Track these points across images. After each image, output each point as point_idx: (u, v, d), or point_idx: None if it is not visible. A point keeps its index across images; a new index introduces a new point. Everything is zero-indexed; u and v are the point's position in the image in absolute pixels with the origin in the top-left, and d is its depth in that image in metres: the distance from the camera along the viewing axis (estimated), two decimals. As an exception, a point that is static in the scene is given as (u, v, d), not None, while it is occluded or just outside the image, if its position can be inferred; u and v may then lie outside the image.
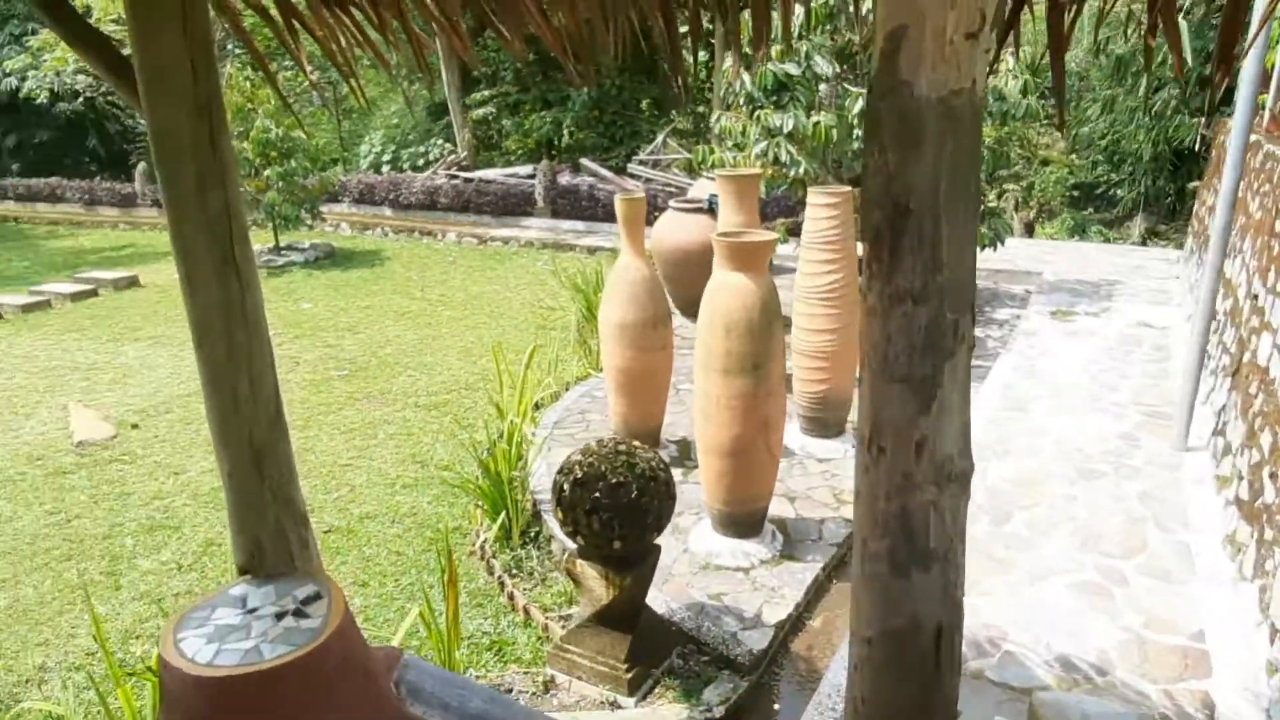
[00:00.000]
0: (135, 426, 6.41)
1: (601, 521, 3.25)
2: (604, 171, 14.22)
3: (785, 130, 6.70)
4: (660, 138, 14.97)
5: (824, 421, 5.26)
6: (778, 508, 4.48)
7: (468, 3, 2.51)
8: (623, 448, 3.40)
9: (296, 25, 2.78)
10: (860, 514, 1.51)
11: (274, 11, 2.80)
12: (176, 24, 2.00)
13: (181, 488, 5.40)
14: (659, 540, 3.50)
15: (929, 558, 1.44)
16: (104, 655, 2.95)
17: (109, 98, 18.76)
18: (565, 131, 15.58)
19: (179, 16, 2.00)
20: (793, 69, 6.79)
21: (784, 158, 6.76)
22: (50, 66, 17.63)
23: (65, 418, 6.60)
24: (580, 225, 13.36)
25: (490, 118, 16.36)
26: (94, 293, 10.73)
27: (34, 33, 18.23)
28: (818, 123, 6.65)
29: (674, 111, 16.23)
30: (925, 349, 1.34)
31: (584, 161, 14.73)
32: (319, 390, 7.01)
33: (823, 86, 7.20)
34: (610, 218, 12.98)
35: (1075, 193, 13.51)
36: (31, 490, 5.46)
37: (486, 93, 16.42)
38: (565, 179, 14.09)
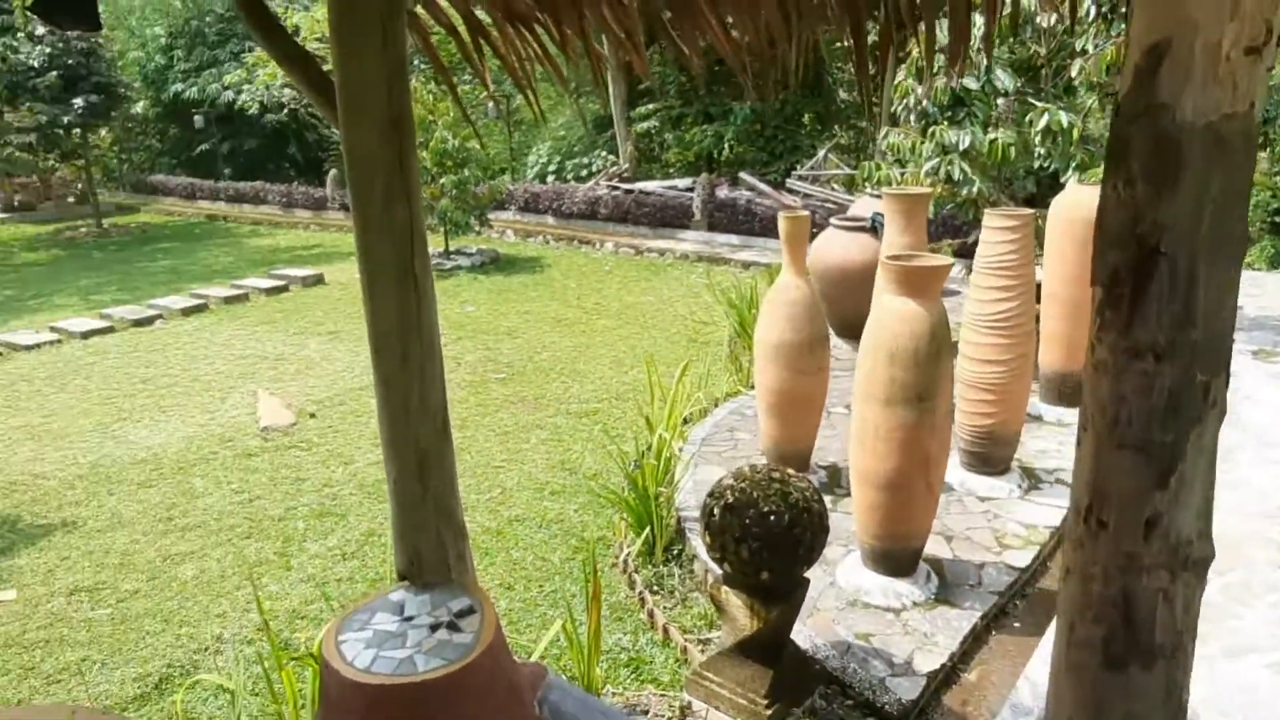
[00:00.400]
0: (313, 416, 6.75)
1: (750, 550, 3.10)
2: (762, 186, 14.01)
3: (961, 147, 6.32)
4: (822, 153, 14.62)
5: (988, 457, 4.89)
6: (933, 547, 4.18)
7: (647, 18, 2.44)
8: (776, 475, 3.24)
9: (482, 42, 2.81)
10: (1070, 593, 1.29)
11: (462, 29, 2.84)
12: (376, 44, 2.04)
13: (350, 477, 5.63)
14: (808, 574, 3.31)
15: (1153, 653, 1.22)
16: (269, 641, 3.05)
17: (309, 109, 20.13)
18: (726, 145, 15.47)
19: (379, 37, 2.04)
20: (970, 83, 6.41)
21: (957, 176, 6.38)
22: (262, 81, 19.12)
23: (254, 404, 7.04)
24: (735, 239, 13.21)
25: (653, 131, 16.47)
26: (285, 288, 11.48)
27: (250, 50, 19.82)
28: (995, 139, 6.24)
29: (836, 126, 15.82)
30: (1167, 413, 1.12)
31: (743, 175, 14.57)
32: (477, 391, 7.18)
33: (1000, 101, 6.76)
34: (766, 232, 12.76)
35: (1278, 218, 12.20)
36: (222, 469, 5.83)
37: (651, 106, 16.54)
38: (723, 192, 13.98)
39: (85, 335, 9.41)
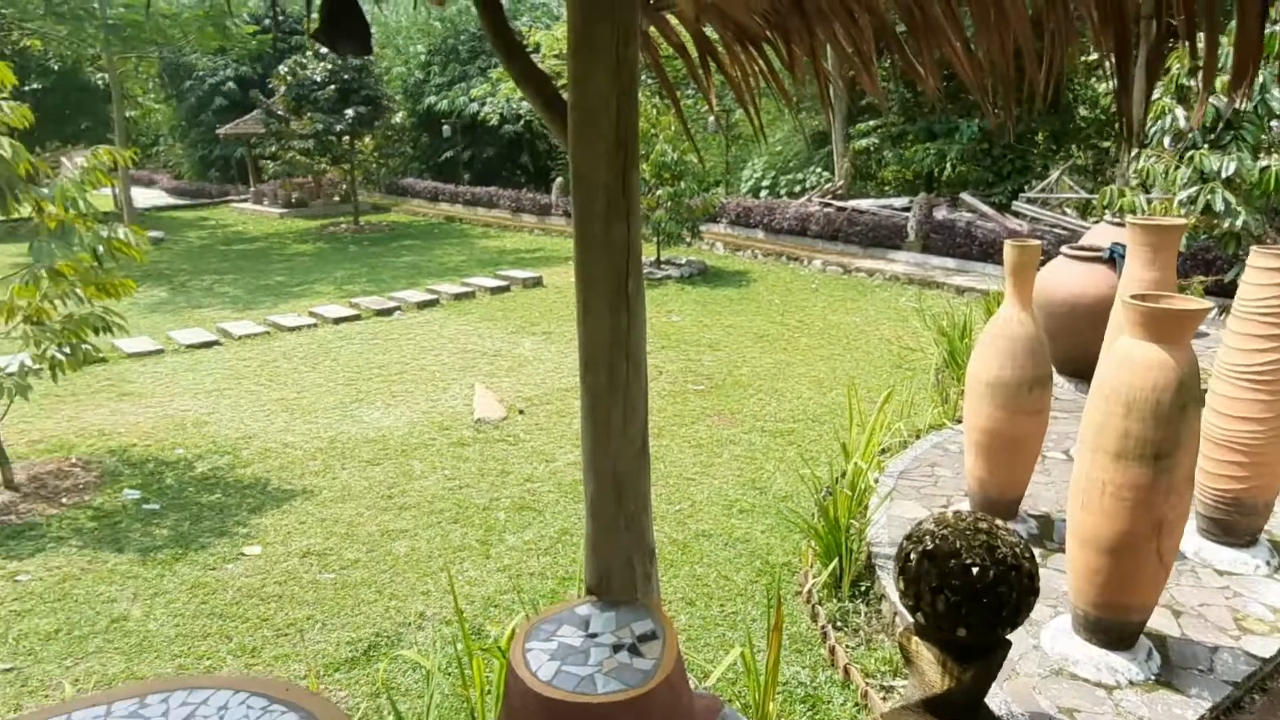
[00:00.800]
0: (521, 412, 7.04)
1: (948, 603, 2.85)
2: (985, 208, 13.17)
3: (1224, 175, 5.58)
4: (1055, 175, 13.53)
5: (1231, 526, 4.27)
6: (1158, 620, 3.70)
7: (882, 38, 2.30)
8: (984, 525, 2.96)
9: (709, 60, 2.79)
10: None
11: (691, 48, 2.83)
12: (610, 65, 2.06)
13: (550, 475, 5.80)
14: (1010, 635, 3.01)
15: None
16: (463, 631, 3.16)
17: (541, 121, 21.22)
18: (948, 164, 14.69)
19: (612, 60, 2.06)
20: (1241, 104, 5.66)
21: (1219, 206, 5.65)
22: (503, 94, 20.35)
23: (471, 396, 7.45)
24: (951, 263, 12.49)
25: (871, 148, 15.93)
26: (507, 288, 12.12)
27: (495, 66, 21.15)
28: (1267, 168, 5.46)
29: (1074, 146, 14.59)
30: None
31: (964, 196, 13.76)
32: (675, 401, 7.20)
33: (1275, 124, 5.92)
34: (986, 257, 11.97)
35: None
36: (437, 455, 6.19)
37: (871, 123, 16.02)
38: (941, 213, 13.27)
39: (336, 321, 10.37)
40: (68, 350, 5.55)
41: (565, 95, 2.22)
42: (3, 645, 3.99)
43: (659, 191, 12.40)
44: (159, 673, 3.76)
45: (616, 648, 2.16)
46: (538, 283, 12.46)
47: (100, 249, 5.41)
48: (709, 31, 2.83)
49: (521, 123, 21.27)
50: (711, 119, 17.97)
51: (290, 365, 8.61)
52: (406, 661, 3.76)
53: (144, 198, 26.09)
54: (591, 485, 2.36)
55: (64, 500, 5.53)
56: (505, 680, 2.53)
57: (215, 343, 9.53)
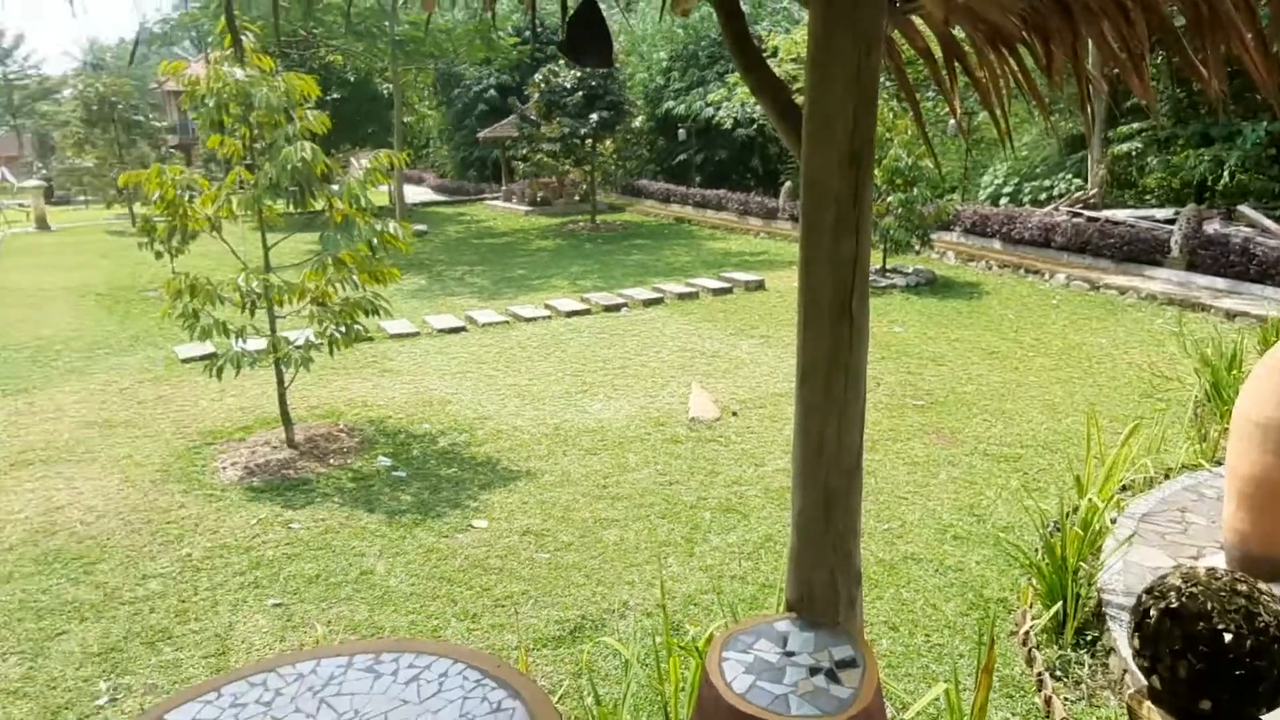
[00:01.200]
0: (735, 414, 7.04)
1: (1191, 670, 2.50)
2: (1268, 223, 11.49)
3: None
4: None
5: None
6: None
7: (1157, 35, 2.07)
8: (1242, 587, 2.57)
9: (955, 63, 2.64)
10: None
11: (937, 51, 2.69)
12: (849, 74, 1.99)
13: (758, 479, 5.75)
14: (1265, 717, 2.60)
15: None
16: (664, 626, 3.20)
17: (774, 126, 21.07)
18: (1225, 172, 12.94)
19: (853, 69, 1.99)
20: None
21: None
22: (739, 98, 20.42)
23: (687, 395, 7.55)
24: (1221, 283, 11.00)
25: (1134, 153, 14.37)
26: (729, 290, 12.16)
27: (732, 70, 21.27)
28: None
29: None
30: None
31: (1243, 208, 12.09)
32: (891, 415, 6.89)
33: None
34: (1264, 278, 10.46)
35: None
36: (651, 450, 6.33)
37: (1135, 126, 14.45)
38: (1213, 227, 11.73)
39: (568, 314, 10.90)
40: (343, 329, 6.22)
41: (800, 102, 2.17)
42: (275, 583, 4.55)
43: (889, 198, 11.92)
44: (394, 625, 4.13)
45: (814, 670, 2.10)
46: (760, 286, 12.40)
47: (375, 240, 6.02)
48: (956, 32, 2.67)
49: (754, 126, 21.25)
50: (952, 122, 17.00)
51: (525, 354, 9.16)
52: (608, 647, 3.87)
53: (413, 194, 28.78)
54: (799, 498, 2.30)
55: (331, 461, 6.22)
56: (699, 684, 2.54)
57: (462, 328, 10.33)
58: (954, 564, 4.57)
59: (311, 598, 4.41)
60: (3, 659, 3.95)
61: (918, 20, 2.66)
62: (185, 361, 8.88)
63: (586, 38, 2.41)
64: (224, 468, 6.10)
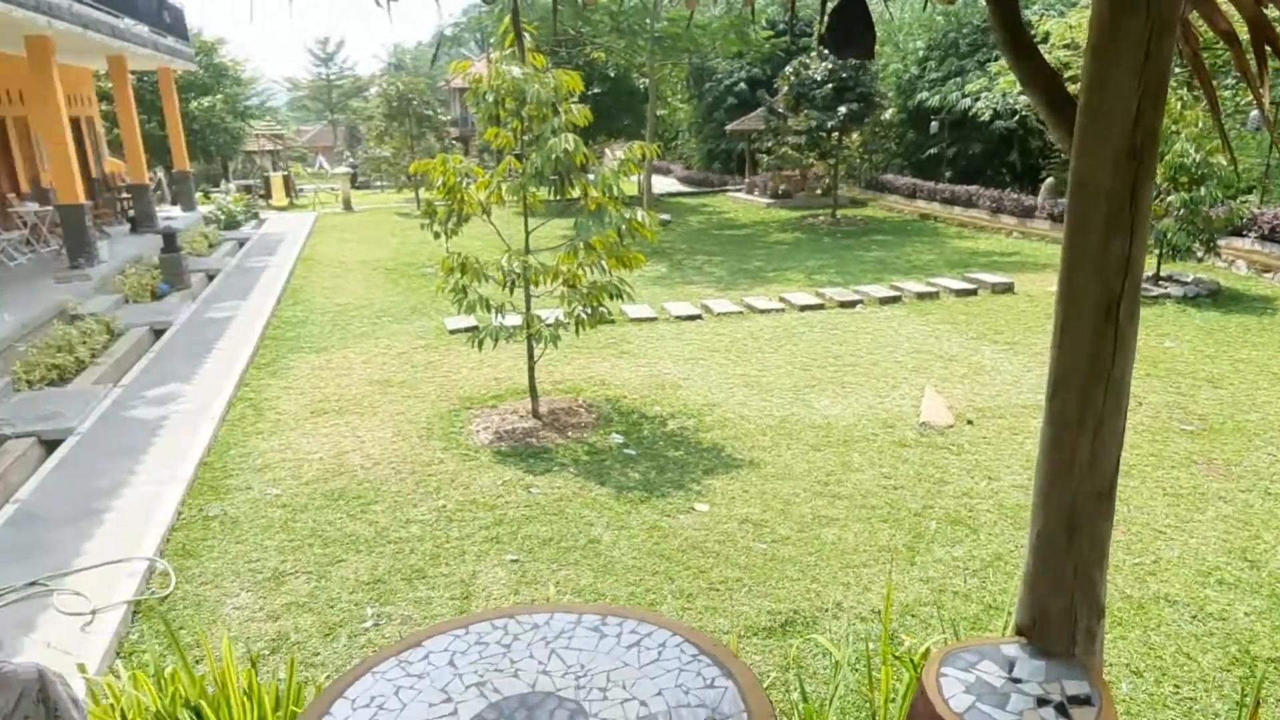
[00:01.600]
0: (970, 422, 6.62)
1: None
2: None
3: None
4: None
5: None
6: None
7: None
8: None
9: (1265, 47, 2.32)
10: None
11: (1242, 34, 2.37)
12: (1135, 63, 1.81)
13: (991, 494, 5.39)
14: None
15: None
16: (883, 633, 3.11)
17: (1039, 118, 19.37)
18: None
19: (1140, 54, 1.81)
20: None
21: None
22: (1000, 89, 19.00)
23: (919, 398, 7.20)
24: None
25: None
26: (974, 292, 11.40)
27: (995, 59, 19.84)
28: None
29: None
30: None
31: None
32: (1154, 438, 6.16)
33: None
34: None
35: None
36: (876, 452, 6.12)
37: None
38: None
39: (802, 308, 10.75)
40: (589, 310, 6.57)
41: (1074, 92, 1.99)
42: (514, 541, 4.93)
43: (1170, 198, 10.57)
44: (615, 594, 4.33)
45: (1041, 701, 1.96)
46: (1008, 289, 11.52)
47: (623, 228, 6.28)
48: (1269, 12, 2.32)
49: (1015, 118, 19.66)
50: (1254, 114, 14.73)
51: (756, 345, 9.16)
52: (818, 646, 3.81)
53: (659, 185, 29.60)
54: (1040, 519, 2.14)
55: (569, 433, 6.61)
56: (913, 698, 2.45)
57: (698, 316, 10.51)
58: (1216, 612, 4.03)
59: (544, 558, 4.73)
60: (295, 576, 4.60)
61: (1223, 1, 2.34)
62: (452, 332, 9.78)
63: (850, 29, 2.36)
64: (477, 431, 6.67)
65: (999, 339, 9.09)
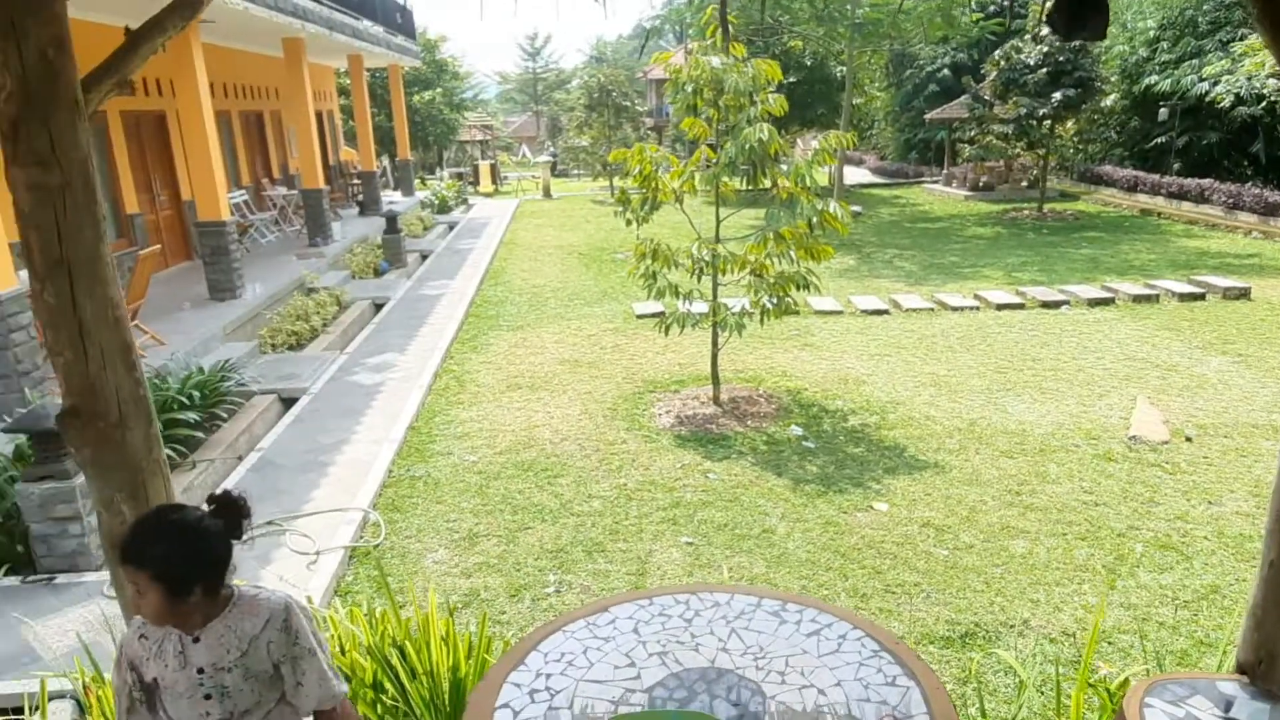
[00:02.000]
0: (1189, 440, 5.97)
1: None
2: None
3: None
4: None
5: None
6: None
7: None
8: None
9: None
10: None
11: None
12: None
13: (1210, 519, 4.84)
14: None
15: None
16: (1083, 659, 2.89)
17: (1295, 101, 16.99)
18: None
19: None
20: None
21: None
22: (1245, 71, 16.83)
23: (1130, 409, 6.57)
24: None
25: None
26: (1201, 296, 10.22)
27: (1241, 38, 17.60)
28: None
29: None
30: None
31: None
32: None
33: None
34: None
35: None
36: (1077, 464, 5.66)
37: None
38: None
39: (999, 307, 10.09)
40: (775, 300, 6.50)
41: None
42: (690, 524, 4.99)
43: None
44: (787, 586, 4.29)
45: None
46: (1243, 294, 10.23)
47: (814, 219, 6.15)
48: None
49: (1262, 105, 17.35)
50: None
51: (946, 343, 8.70)
52: (1000, 662, 3.60)
53: (851, 176, 28.70)
54: (1274, 549, 1.92)
55: (749, 422, 6.58)
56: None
57: (885, 311, 10.13)
58: None
59: (719, 543, 4.76)
60: (487, 538, 4.91)
61: None
62: (639, 317, 10.00)
63: (1080, 8, 2.18)
64: (659, 414, 6.79)
65: (1229, 350, 8.11)
